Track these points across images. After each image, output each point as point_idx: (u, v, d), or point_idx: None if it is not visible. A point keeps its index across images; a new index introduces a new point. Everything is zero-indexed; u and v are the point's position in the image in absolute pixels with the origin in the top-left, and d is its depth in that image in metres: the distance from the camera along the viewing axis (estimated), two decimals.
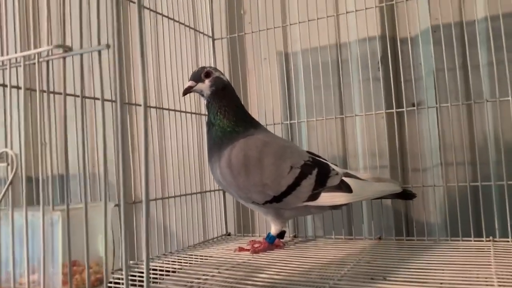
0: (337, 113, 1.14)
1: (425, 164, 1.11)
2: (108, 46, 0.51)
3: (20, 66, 0.54)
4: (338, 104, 1.18)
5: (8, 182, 0.53)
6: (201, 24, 1.24)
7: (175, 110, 1.09)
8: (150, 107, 1.03)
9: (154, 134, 1.06)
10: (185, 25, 1.14)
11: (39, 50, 0.53)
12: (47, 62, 0.54)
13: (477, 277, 0.67)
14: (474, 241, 0.92)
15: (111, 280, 0.74)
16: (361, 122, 1.13)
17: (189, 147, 1.12)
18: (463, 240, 0.93)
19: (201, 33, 1.21)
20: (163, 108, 1.08)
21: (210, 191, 1.20)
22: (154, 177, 1.04)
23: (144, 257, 0.43)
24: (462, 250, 0.86)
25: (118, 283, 0.76)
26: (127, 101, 0.94)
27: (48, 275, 0.52)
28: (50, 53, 0.58)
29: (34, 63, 0.53)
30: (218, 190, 1.22)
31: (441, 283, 0.65)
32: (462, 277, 0.68)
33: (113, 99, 1.01)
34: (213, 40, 1.25)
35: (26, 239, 0.52)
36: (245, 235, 1.18)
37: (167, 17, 1.08)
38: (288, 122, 1.20)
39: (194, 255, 0.95)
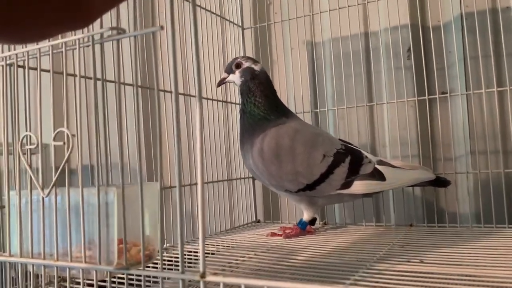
0: (366, 102, 1.14)
1: (456, 152, 1.10)
2: (162, 27, 0.52)
3: (75, 48, 0.56)
4: (367, 93, 1.18)
5: (64, 160, 0.55)
6: (229, 13, 1.24)
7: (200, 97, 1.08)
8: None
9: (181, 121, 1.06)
10: (216, 14, 1.14)
11: (93, 32, 0.55)
12: (101, 44, 0.56)
13: None
14: (508, 227, 0.92)
15: (159, 257, 0.76)
16: (390, 111, 1.13)
17: (215, 135, 1.13)
18: (497, 227, 0.93)
19: (231, 22, 1.22)
20: (190, 95, 1.07)
21: (238, 178, 1.21)
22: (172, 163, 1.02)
23: (199, 232, 0.44)
24: (496, 236, 0.86)
25: (165, 262, 0.78)
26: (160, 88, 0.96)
27: (103, 249, 0.53)
28: (102, 36, 0.60)
29: (88, 46, 0.55)
30: (247, 178, 1.23)
31: (477, 266, 0.66)
32: (498, 260, 0.68)
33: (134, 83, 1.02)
34: (243, 29, 1.26)
35: (82, 215, 0.54)
36: (274, 222, 1.19)
37: (198, 5, 1.09)
38: (318, 110, 1.20)
39: (227, 239, 0.97)
